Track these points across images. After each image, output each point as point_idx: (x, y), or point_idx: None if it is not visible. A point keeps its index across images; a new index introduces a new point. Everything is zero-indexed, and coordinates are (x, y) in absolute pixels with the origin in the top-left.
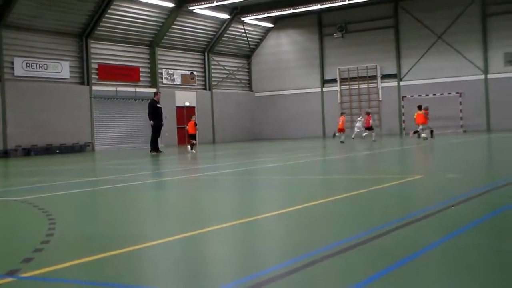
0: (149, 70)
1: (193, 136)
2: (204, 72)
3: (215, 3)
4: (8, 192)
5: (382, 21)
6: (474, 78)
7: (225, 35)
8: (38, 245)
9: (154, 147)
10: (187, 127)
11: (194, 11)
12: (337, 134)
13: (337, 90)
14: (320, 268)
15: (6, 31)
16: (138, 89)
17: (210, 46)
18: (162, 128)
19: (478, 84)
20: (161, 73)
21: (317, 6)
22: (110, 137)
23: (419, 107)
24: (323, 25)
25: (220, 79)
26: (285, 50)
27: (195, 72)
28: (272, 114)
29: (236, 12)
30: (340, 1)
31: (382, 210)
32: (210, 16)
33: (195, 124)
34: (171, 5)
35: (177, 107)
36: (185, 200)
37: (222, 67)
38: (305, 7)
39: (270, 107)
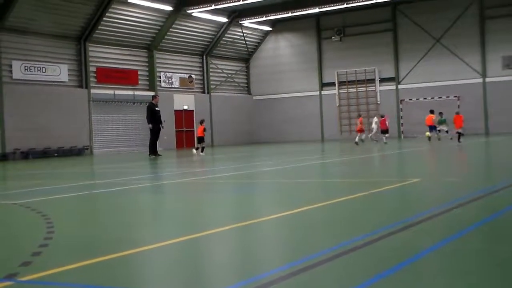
0: (147, 74)
1: (201, 139)
2: (203, 75)
3: (213, 7)
4: (6, 196)
5: (380, 25)
6: (472, 82)
7: (224, 38)
8: (36, 249)
9: (153, 150)
10: (197, 130)
11: (192, 14)
12: (358, 135)
13: (335, 94)
14: (318, 272)
15: (5, 35)
16: (136, 93)
17: (209, 49)
18: (161, 131)
19: (476, 88)
20: (160, 77)
21: (315, 10)
22: (108, 140)
23: (432, 111)
24: (321, 28)
25: (219, 83)
26: (284, 53)
27: (193, 76)
28: (271, 117)
29: (235, 15)
30: (338, 5)
31: (380, 213)
32: (208, 19)
33: (204, 130)
34: (169, 8)
35: (175, 110)
36: (184, 204)
37: (220, 71)
38: (303, 11)
39: (268, 110)
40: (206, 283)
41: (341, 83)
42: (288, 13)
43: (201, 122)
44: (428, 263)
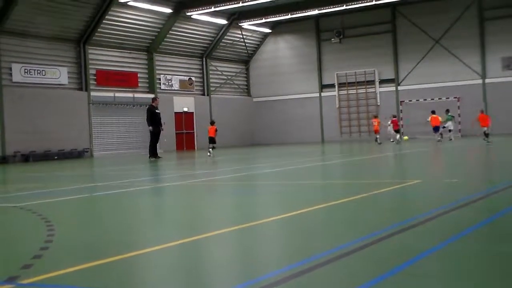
0: (147, 76)
1: (212, 139)
2: (202, 77)
3: (213, 9)
4: (7, 199)
5: (380, 26)
6: (472, 83)
7: (223, 40)
8: (37, 252)
9: (153, 152)
10: (208, 131)
11: (192, 16)
12: (377, 136)
13: (335, 95)
14: (319, 274)
15: (4, 37)
16: (136, 95)
17: (208, 51)
18: (161, 133)
19: (476, 89)
20: (159, 79)
21: (315, 11)
22: (108, 143)
23: (434, 112)
24: (320, 30)
25: (218, 85)
26: (283, 55)
27: (193, 78)
28: (271, 119)
29: (234, 17)
30: (337, 6)
31: (380, 215)
32: (208, 21)
33: (216, 130)
34: (168, 10)
35: (175, 112)
36: (184, 206)
37: (220, 73)
38: (302, 13)
39: (268, 112)
40: (207, 285)
41: (341, 85)
42: (288, 15)
43: (212, 123)
44: (428, 264)
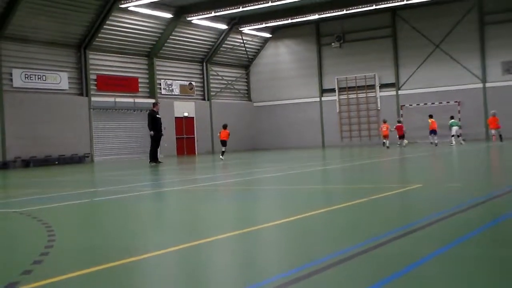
0: (147, 81)
1: (224, 143)
2: (203, 82)
3: (213, 14)
4: (7, 204)
5: (380, 31)
6: (472, 87)
7: (224, 45)
8: (37, 257)
9: (153, 157)
10: (220, 134)
11: (192, 21)
12: (384, 141)
13: (335, 100)
14: (320, 279)
15: (5, 43)
16: (136, 100)
17: (209, 56)
18: (163, 138)
19: (477, 93)
20: (160, 84)
21: (315, 16)
22: (109, 148)
23: (431, 116)
24: (321, 34)
25: (219, 89)
26: (284, 60)
27: (193, 83)
28: (271, 123)
29: (234, 22)
30: (337, 11)
31: (381, 220)
32: (208, 26)
33: (229, 133)
34: (169, 15)
35: (175, 117)
36: (185, 211)
37: (220, 77)
38: (303, 17)
39: (269, 117)
40: None
41: (341, 89)
42: (288, 19)
43: (225, 126)
44: (430, 269)
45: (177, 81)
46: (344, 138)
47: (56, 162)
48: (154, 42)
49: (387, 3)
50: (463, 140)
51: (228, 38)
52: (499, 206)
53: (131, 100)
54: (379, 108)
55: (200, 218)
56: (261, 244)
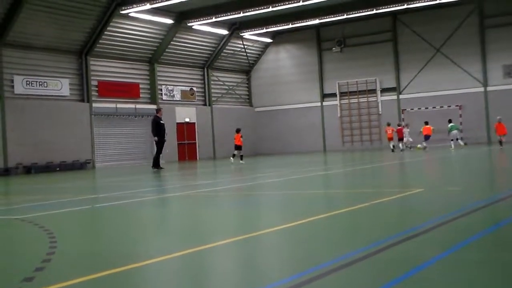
0: (148, 87)
1: (238, 147)
2: (204, 87)
3: (213, 19)
4: (9, 211)
5: (381, 35)
6: (474, 91)
7: (224, 50)
8: (39, 264)
9: (155, 163)
10: (234, 139)
11: (193, 27)
12: (391, 145)
13: (337, 104)
14: (321, 284)
15: (6, 49)
16: (138, 106)
17: (210, 61)
18: (164, 144)
19: (478, 97)
20: (161, 89)
21: (315, 21)
22: (110, 154)
23: (426, 123)
24: (321, 39)
25: (220, 95)
26: (284, 64)
27: (194, 88)
28: (272, 128)
29: (235, 27)
30: (338, 16)
31: (383, 224)
32: (209, 32)
33: (241, 137)
34: (170, 21)
35: (177, 123)
36: (186, 217)
37: (221, 83)
38: (303, 22)
39: (270, 122)
40: None
41: (343, 94)
42: (288, 24)
43: (238, 130)
44: (431, 274)
45: (178, 87)
46: (345, 143)
47: (58, 169)
48: (155, 48)
49: (387, 8)
50: (465, 143)
51: (229, 44)
52: (501, 210)
53: (132, 106)
54: (380, 113)
55: (202, 224)
56: (263, 250)
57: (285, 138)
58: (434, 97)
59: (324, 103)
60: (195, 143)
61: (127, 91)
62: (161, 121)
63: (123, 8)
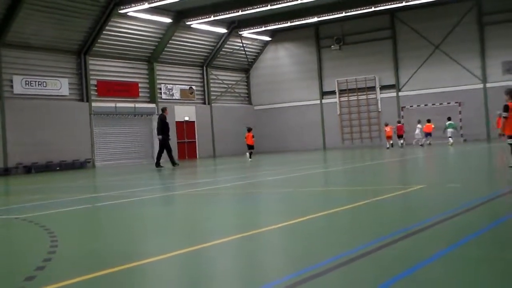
0: (148, 86)
1: (251, 146)
2: (203, 86)
3: (212, 18)
4: (9, 210)
5: (379, 33)
6: (473, 87)
7: (223, 49)
8: (40, 263)
9: (158, 162)
10: (245, 138)
11: (191, 26)
12: (388, 144)
13: (336, 102)
14: (322, 281)
15: (5, 50)
16: (137, 105)
17: (209, 60)
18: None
19: (477, 93)
20: (160, 88)
21: (314, 19)
22: (110, 153)
23: (428, 121)
24: (320, 37)
25: (219, 93)
26: (283, 63)
27: (194, 87)
28: (272, 127)
29: (234, 26)
30: (337, 14)
31: (384, 221)
32: (207, 30)
33: (253, 136)
34: (168, 20)
35: (176, 122)
36: (187, 215)
37: (220, 81)
38: (302, 20)
39: (269, 120)
40: None
41: (342, 92)
42: (287, 22)
43: (249, 129)
44: (432, 271)
45: (177, 86)
46: (345, 140)
47: (58, 168)
48: (154, 47)
49: (386, 5)
50: (464, 140)
51: (227, 42)
52: (501, 207)
53: (131, 105)
54: (379, 110)
55: (202, 222)
56: (265, 247)
57: (285, 136)
58: (433, 94)
59: (323, 101)
60: (195, 141)
61: (126, 90)
62: (166, 120)
63: (121, 7)
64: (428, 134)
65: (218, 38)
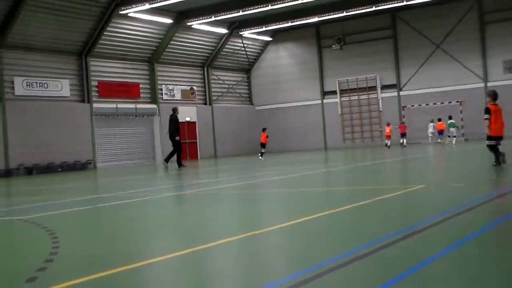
0: (149, 86)
1: (263, 145)
2: (204, 87)
3: (213, 18)
4: (11, 211)
5: (380, 32)
6: (474, 86)
7: (224, 49)
8: (42, 264)
9: (167, 160)
10: (260, 137)
11: (192, 26)
12: (386, 142)
13: (337, 102)
14: (325, 281)
15: (6, 51)
16: (138, 106)
17: (209, 61)
18: (165, 144)
19: (478, 92)
20: (161, 89)
21: (315, 19)
22: (111, 154)
23: (439, 119)
24: (321, 37)
25: (220, 94)
26: (284, 63)
27: (195, 87)
28: (273, 127)
29: (234, 26)
30: (337, 13)
31: (385, 221)
32: (208, 31)
33: (267, 136)
34: (169, 21)
35: None
36: (189, 215)
37: (221, 82)
38: (302, 20)
39: (270, 120)
40: None
41: (343, 91)
42: (288, 22)
43: (264, 129)
44: (435, 269)
45: (178, 86)
46: (346, 140)
47: (59, 169)
48: (155, 48)
49: (387, 5)
50: (466, 139)
51: (228, 42)
52: (503, 206)
53: (132, 106)
54: (381, 109)
55: (204, 222)
56: (267, 247)
57: (286, 136)
58: (435, 93)
59: (324, 101)
60: (196, 142)
61: (127, 91)
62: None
63: (122, 8)
64: (440, 132)
65: (219, 38)
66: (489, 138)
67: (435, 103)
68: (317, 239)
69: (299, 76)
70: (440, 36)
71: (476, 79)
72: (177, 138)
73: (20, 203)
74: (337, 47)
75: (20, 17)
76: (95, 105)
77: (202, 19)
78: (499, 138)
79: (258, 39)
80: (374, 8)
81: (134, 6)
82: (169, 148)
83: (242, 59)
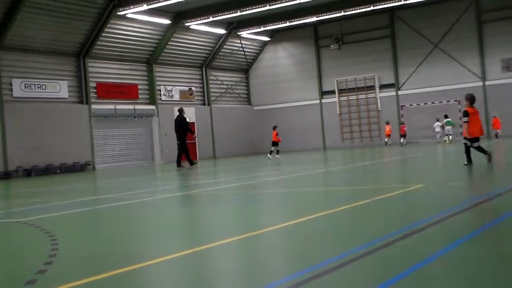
0: (147, 87)
1: (275, 143)
2: (203, 87)
3: (211, 19)
4: (10, 214)
5: (378, 31)
6: (472, 85)
7: (222, 50)
8: (41, 266)
9: (190, 161)
10: (271, 135)
11: (190, 27)
12: (386, 140)
13: (335, 102)
14: (324, 281)
15: (4, 53)
16: (137, 107)
17: (208, 61)
18: (164, 144)
19: (476, 91)
20: (160, 90)
21: (313, 19)
22: (110, 155)
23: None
24: (319, 37)
25: (219, 94)
26: (283, 63)
27: (193, 88)
28: (272, 127)
29: (232, 27)
30: (335, 13)
31: (384, 220)
32: (206, 31)
33: (277, 134)
34: (167, 22)
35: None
36: (188, 216)
37: (220, 82)
38: (301, 20)
39: (269, 120)
40: None
41: (341, 91)
42: (286, 22)
43: (274, 128)
44: (434, 268)
45: (176, 87)
46: (345, 140)
47: (58, 171)
48: (153, 49)
49: (384, 4)
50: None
51: (226, 43)
52: (501, 205)
53: (131, 107)
54: (379, 109)
55: (203, 223)
56: (267, 247)
57: (285, 137)
58: (433, 92)
59: (323, 101)
60: (195, 142)
61: (126, 92)
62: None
63: (120, 9)
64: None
65: (217, 39)
66: (470, 140)
67: (433, 102)
68: (316, 239)
69: (298, 76)
70: (438, 35)
71: (474, 78)
72: (194, 135)
73: (19, 205)
74: (335, 46)
75: (18, 18)
76: (93, 106)
77: (200, 19)
78: (476, 140)
79: (256, 39)
80: (372, 8)
81: (131, 7)
82: (166, 149)
83: (241, 59)
